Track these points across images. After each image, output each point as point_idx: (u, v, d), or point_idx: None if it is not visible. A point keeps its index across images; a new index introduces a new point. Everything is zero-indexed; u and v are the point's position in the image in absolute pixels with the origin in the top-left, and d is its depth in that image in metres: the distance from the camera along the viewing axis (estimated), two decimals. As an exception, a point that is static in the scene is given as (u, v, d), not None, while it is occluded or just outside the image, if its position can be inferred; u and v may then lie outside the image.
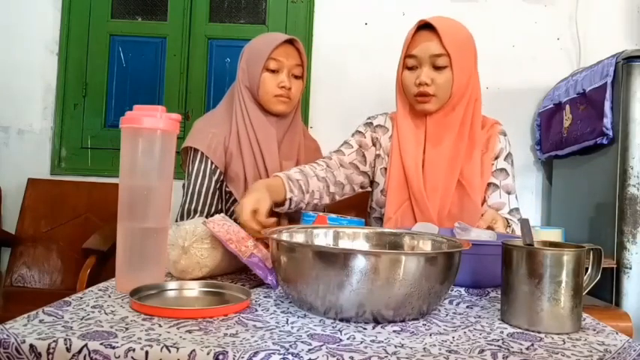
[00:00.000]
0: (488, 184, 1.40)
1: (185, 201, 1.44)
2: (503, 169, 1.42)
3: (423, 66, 1.32)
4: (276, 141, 1.49)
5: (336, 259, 0.74)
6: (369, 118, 1.51)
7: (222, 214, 1.08)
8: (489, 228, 1.18)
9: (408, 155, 1.38)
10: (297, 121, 1.57)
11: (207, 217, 1.41)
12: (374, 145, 1.46)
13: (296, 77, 1.49)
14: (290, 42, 1.48)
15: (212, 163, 1.44)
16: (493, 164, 1.41)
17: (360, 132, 1.48)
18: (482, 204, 1.40)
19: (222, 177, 1.47)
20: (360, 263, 0.72)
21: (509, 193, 1.40)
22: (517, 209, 1.41)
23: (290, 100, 1.48)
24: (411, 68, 1.35)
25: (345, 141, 1.48)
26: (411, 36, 1.35)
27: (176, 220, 1.43)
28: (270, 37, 1.51)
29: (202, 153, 1.44)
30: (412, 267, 0.74)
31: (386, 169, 1.44)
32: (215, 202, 1.45)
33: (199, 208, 1.42)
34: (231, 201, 1.48)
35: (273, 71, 1.45)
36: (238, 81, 1.52)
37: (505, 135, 1.45)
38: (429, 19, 1.33)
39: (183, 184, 1.49)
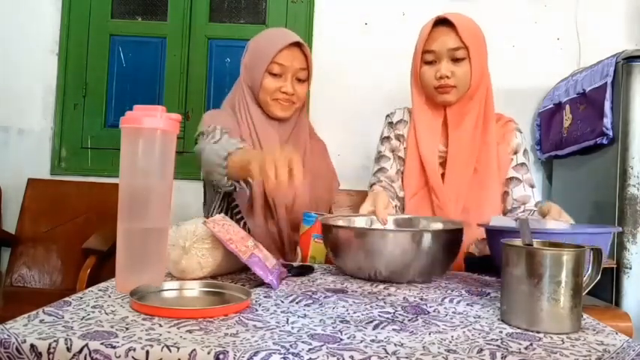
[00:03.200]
0: (511, 179, 1.45)
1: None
2: (523, 164, 1.46)
3: (442, 60, 1.38)
4: (278, 144, 1.45)
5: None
6: (387, 117, 1.55)
7: (222, 214, 1.08)
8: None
9: (424, 145, 1.42)
10: (301, 124, 1.53)
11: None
12: (399, 142, 1.51)
13: (300, 81, 1.45)
14: (296, 44, 1.42)
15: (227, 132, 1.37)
16: (513, 159, 1.46)
17: (387, 137, 1.52)
18: (503, 199, 1.44)
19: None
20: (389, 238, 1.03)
21: (532, 186, 1.45)
22: (541, 202, 1.43)
23: (292, 105, 1.44)
24: (429, 63, 1.40)
25: (379, 153, 1.52)
26: (428, 32, 1.39)
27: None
28: (275, 37, 1.44)
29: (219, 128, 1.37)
30: (423, 240, 1.02)
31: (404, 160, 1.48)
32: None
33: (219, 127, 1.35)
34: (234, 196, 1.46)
35: (275, 75, 1.41)
36: (241, 80, 1.48)
37: (521, 132, 1.51)
38: (445, 15, 1.38)
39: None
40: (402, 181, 1.46)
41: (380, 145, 1.54)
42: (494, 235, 1.08)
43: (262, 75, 1.40)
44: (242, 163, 1.16)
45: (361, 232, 1.08)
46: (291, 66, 1.41)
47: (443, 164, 1.43)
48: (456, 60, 1.37)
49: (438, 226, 1.22)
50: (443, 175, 1.42)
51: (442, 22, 1.39)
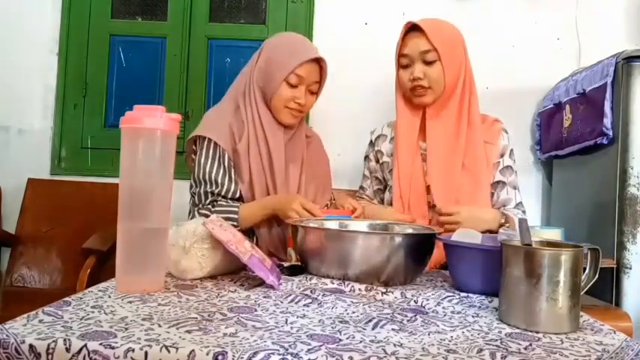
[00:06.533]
0: (497, 182, 1.53)
1: (198, 183, 1.43)
2: (509, 167, 1.54)
3: (415, 63, 1.46)
4: (283, 145, 1.49)
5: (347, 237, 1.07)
6: (371, 134, 1.67)
7: (216, 215, 1.09)
8: None
9: (402, 142, 1.51)
10: (300, 128, 1.57)
11: (223, 198, 1.42)
12: (377, 161, 1.63)
13: (312, 93, 1.49)
14: (315, 59, 1.45)
15: (224, 150, 1.43)
16: (499, 162, 1.53)
17: (367, 157, 1.67)
18: (492, 198, 1.52)
19: (232, 163, 1.45)
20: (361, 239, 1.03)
21: (514, 188, 1.54)
22: (521, 203, 1.54)
23: (300, 114, 1.49)
24: (405, 67, 1.49)
25: (363, 170, 1.69)
26: (402, 38, 1.49)
27: (195, 206, 1.42)
28: (297, 47, 1.46)
29: (215, 142, 1.42)
30: (392, 242, 1.02)
31: (392, 170, 1.55)
32: (229, 183, 1.43)
33: (216, 191, 1.41)
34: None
35: (292, 85, 1.44)
36: (251, 79, 1.48)
37: (507, 132, 1.56)
38: (415, 21, 1.46)
39: (191, 184, 1.47)
40: (393, 182, 1.52)
41: (364, 162, 1.69)
42: (451, 249, 1.04)
43: (280, 83, 1.43)
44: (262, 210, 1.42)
45: (325, 234, 1.10)
46: (307, 78, 1.45)
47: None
48: (428, 63, 1.44)
49: (408, 231, 1.20)
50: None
51: (415, 27, 1.46)
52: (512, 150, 1.56)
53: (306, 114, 1.59)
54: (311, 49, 1.46)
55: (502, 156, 1.53)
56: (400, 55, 1.49)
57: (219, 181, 1.42)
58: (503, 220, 1.42)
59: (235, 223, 1.37)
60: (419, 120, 1.51)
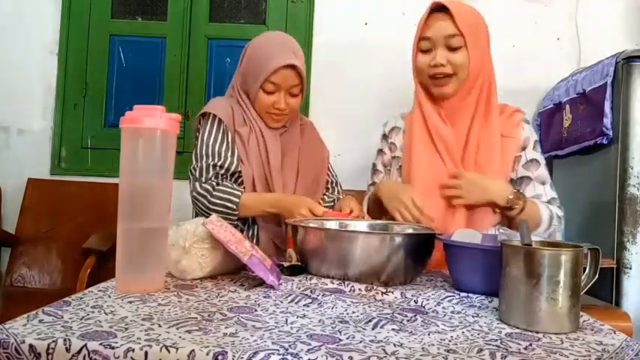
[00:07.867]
0: (521, 178, 1.38)
1: (200, 158, 1.42)
2: (533, 160, 1.38)
3: (438, 47, 1.34)
4: (279, 139, 1.51)
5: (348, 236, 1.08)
6: (383, 126, 1.55)
7: (216, 215, 1.09)
8: None
9: (432, 119, 1.38)
10: (294, 128, 1.58)
11: (226, 172, 1.41)
12: (392, 153, 1.50)
13: (293, 95, 1.48)
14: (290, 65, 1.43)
15: (227, 127, 1.45)
16: (521, 156, 1.38)
17: (381, 151, 1.54)
18: None
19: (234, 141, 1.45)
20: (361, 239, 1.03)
21: (543, 183, 1.38)
22: (554, 198, 1.39)
23: (284, 117, 1.49)
24: (425, 51, 1.36)
25: (374, 166, 1.55)
26: (425, 19, 1.36)
27: (196, 180, 1.41)
28: (271, 52, 1.44)
29: (220, 119, 1.44)
30: (392, 242, 1.02)
31: (401, 167, 1.45)
32: (232, 158, 1.43)
33: (219, 163, 1.41)
34: (239, 182, 1.47)
35: (269, 92, 1.44)
36: (237, 83, 1.52)
37: (528, 123, 1.44)
38: (442, 0, 1.34)
39: (191, 161, 1.46)
40: (411, 155, 1.41)
41: (375, 157, 1.55)
42: (451, 249, 1.04)
43: (257, 91, 1.45)
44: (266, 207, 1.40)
45: (325, 234, 1.10)
46: (284, 84, 1.44)
47: None
48: (452, 49, 1.33)
49: (408, 231, 1.18)
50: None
51: (440, 9, 1.35)
52: (536, 141, 1.41)
53: (300, 111, 1.59)
54: (285, 54, 1.42)
55: (524, 149, 1.38)
56: (421, 37, 1.36)
57: (223, 154, 1.42)
58: (511, 197, 1.27)
59: (234, 207, 1.36)
60: (441, 114, 1.39)
